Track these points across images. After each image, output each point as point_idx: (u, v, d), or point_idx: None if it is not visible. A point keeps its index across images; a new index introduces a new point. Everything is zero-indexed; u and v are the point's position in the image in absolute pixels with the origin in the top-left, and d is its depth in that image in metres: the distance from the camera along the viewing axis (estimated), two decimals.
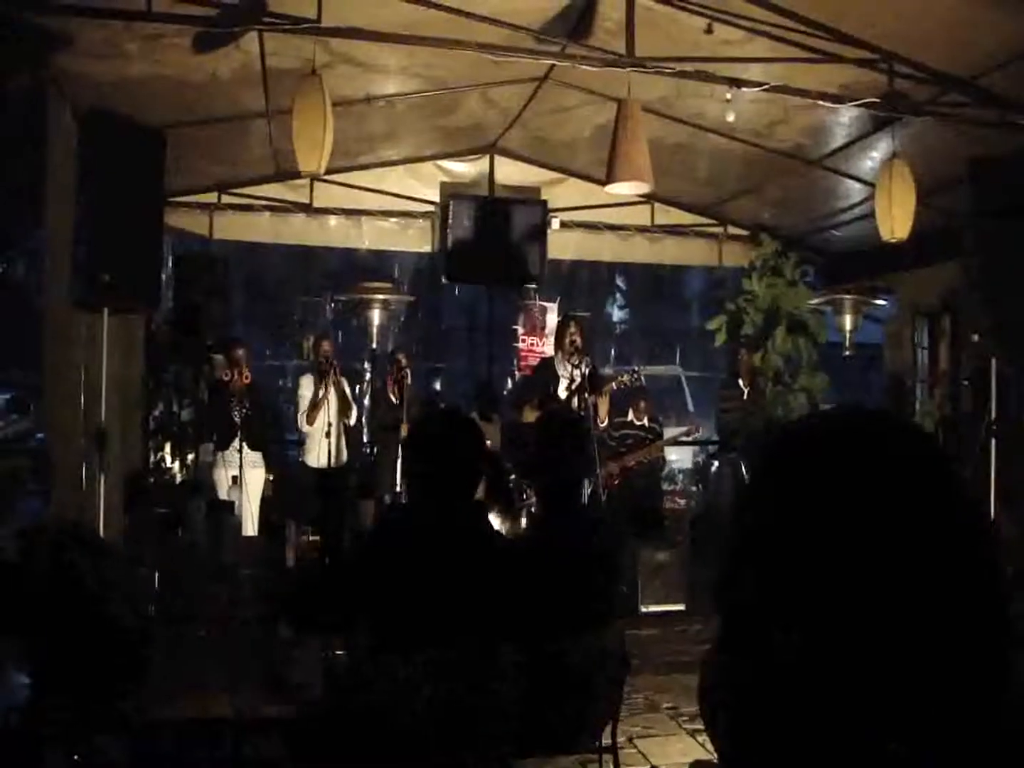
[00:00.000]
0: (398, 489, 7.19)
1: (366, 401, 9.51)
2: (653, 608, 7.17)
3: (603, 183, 5.36)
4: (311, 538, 7.38)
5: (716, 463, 9.54)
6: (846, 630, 0.71)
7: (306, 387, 7.69)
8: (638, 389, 7.96)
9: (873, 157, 6.72)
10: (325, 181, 7.76)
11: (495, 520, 6.15)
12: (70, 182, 5.23)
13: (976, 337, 6.02)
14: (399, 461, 7.09)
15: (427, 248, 8.87)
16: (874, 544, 0.72)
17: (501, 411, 8.24)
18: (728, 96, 5.20)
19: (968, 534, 0.73)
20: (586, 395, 6.62)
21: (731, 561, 0.80)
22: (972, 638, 0.71)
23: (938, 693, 0.70)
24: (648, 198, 8.45)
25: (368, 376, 10.81)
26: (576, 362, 6.72)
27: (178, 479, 7.88)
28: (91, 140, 5.17)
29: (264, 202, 8.25)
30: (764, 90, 5.16)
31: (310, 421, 7.63)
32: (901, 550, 0.71)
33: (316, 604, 2.90)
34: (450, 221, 8.28)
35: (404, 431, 7.24)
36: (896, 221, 5.53)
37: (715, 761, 0.87)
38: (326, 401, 7.48)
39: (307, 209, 8.34)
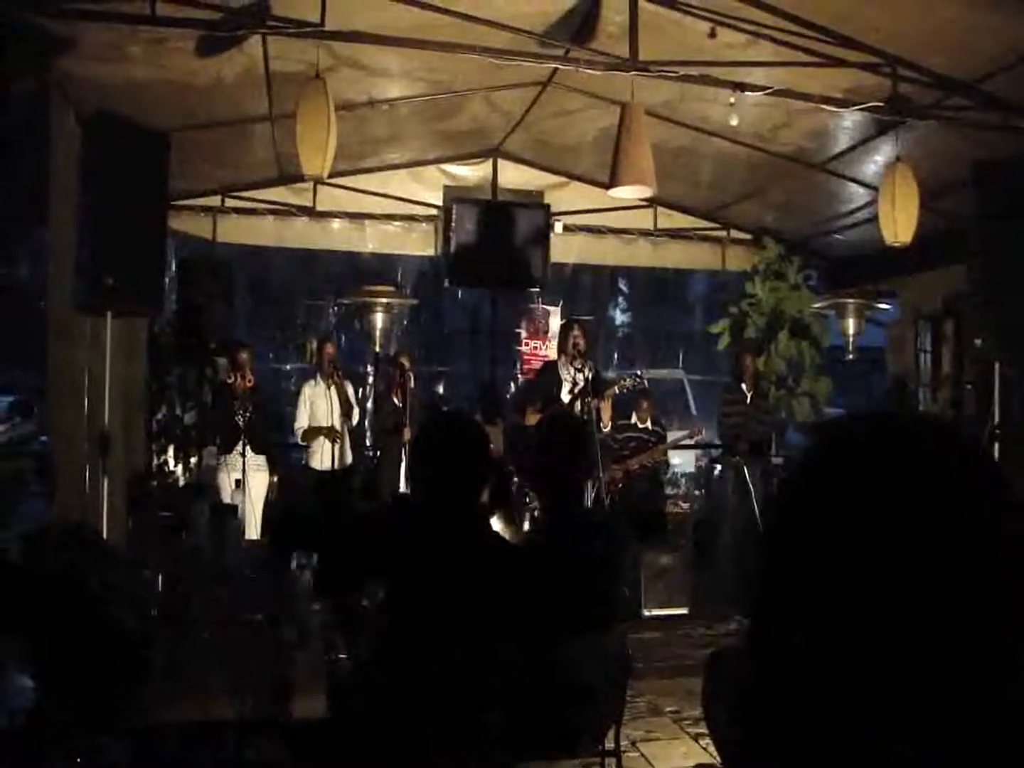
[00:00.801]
0: (401, 491, 7.19)
1: (369, 404, 9.52)
2: (656, 612, 7.17)
3: (606, 187, 5.36)
4: None
5: (719, 467, 9.53)
6: (860, 632, 0.71)
7: (307, 396, 7.70)
8: (641, 392, 7.96)
9: (876, 161, 6.72)
10: (328, 184, 7.77)
11: (498, 525, 6.15)
12: (73, 185, 5.24)
13: (979, 341, 6.01)
14: (402, 464, 7.11)
15: (430, 252, 8.88)
16: (908, 550, 0.71)
17: (504, 414, 8.24)
18: (731, 100, 5.20)
19: (994, 544, 0.73)
20: (589, 399, 6.63)
21: (761, 560, 0.80)
22: (978, 638, 0.71)
23: (942, 694, 0.70)
24: (651, 202, 8.44)
25: (371, 379, 10.82)
26: (579, 366, 6.72)
27: (181, 482, 7.89)
28: (94, 143, 5.18)
29: (267, 205, 8.26)
30: (767, 94, 5.16)
31: (304, 439, 7.66)
32: (932, 556, 0.71)
33: (309, 533, 2.94)
34: (453, 225, 8.29)
35: (407, 434, 7.26)
36: (899, 225, 5.52)
37: (718, 765, 0.87)
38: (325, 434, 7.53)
39: (310, 212, 8.35)
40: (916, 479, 0.74)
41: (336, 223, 8.54)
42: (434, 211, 8.60)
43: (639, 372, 7.72)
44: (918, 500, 0.73)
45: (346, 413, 7.64)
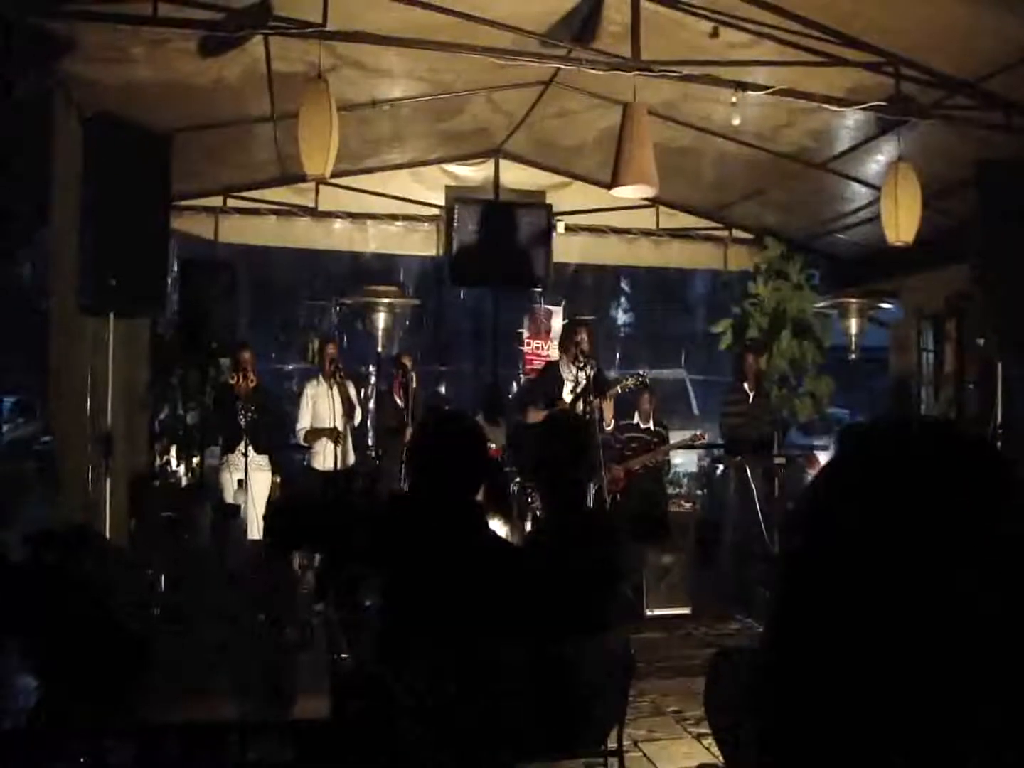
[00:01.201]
0: (397, 491, 7.19)
1: (371, 404, 9.52)
2: (658, 611, 7.17)
3: (608, 187, 5.36)
4: None
5: (721, 467, 9.52)
6: (875, 639, 0.71)
7: (308, 396, 7.70)
8: (643, 391, 7.95)
9: (879, 160, 6.71)
10: (330, 185, 7.77)
11: (496, 524, 6.14)
12: (76, 186, 5.24)
13: (981, 340, 6.01)
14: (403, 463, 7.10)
15: (432, 252, 8.87)
16: (932, 559, 0.71)
17: (506, 414, 8.24)
18: (734, 100, 5.20)
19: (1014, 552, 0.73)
20: (591, 398, 6.62)
21: (783, 567, 0.80)
22: (996, 650, 0.70)
23: (947, 704, 0.70)
24: (653, 201, 8.45)
25: (373, 379, 10.82)
26: (581, 365, 6.71)
27: (184, 482, 7.88)
28: (97, 144, 5.18)
29: (269, 206, 8.26)
30: (770, 93, 5.16)
31: (307, 440, 7.67)
32: (954, 564, 0.71)
33: (304, 525, 2.96)
34: (455, 225, 8.29)
35: (408, 434, 7.26)
36: (902, 224, 5.52)
37: (720, 764, 0.87)
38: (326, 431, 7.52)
39: (312, 213, 8.34)
40: (944, 489, 0.74)
41: (338, 223, 8.54)
42: (436, 211, 8.60)
43: (642, 372, 7.70)
44: (945, 509, 0.73)
45: (348, 413, 7.64)
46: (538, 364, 8.98)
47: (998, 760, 0.69)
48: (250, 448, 7.04)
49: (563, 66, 5.34)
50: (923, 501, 0.74)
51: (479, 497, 2.93)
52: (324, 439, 7.55)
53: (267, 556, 3.52)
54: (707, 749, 4.60)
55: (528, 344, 9.74)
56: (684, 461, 12.02)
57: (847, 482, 0.79)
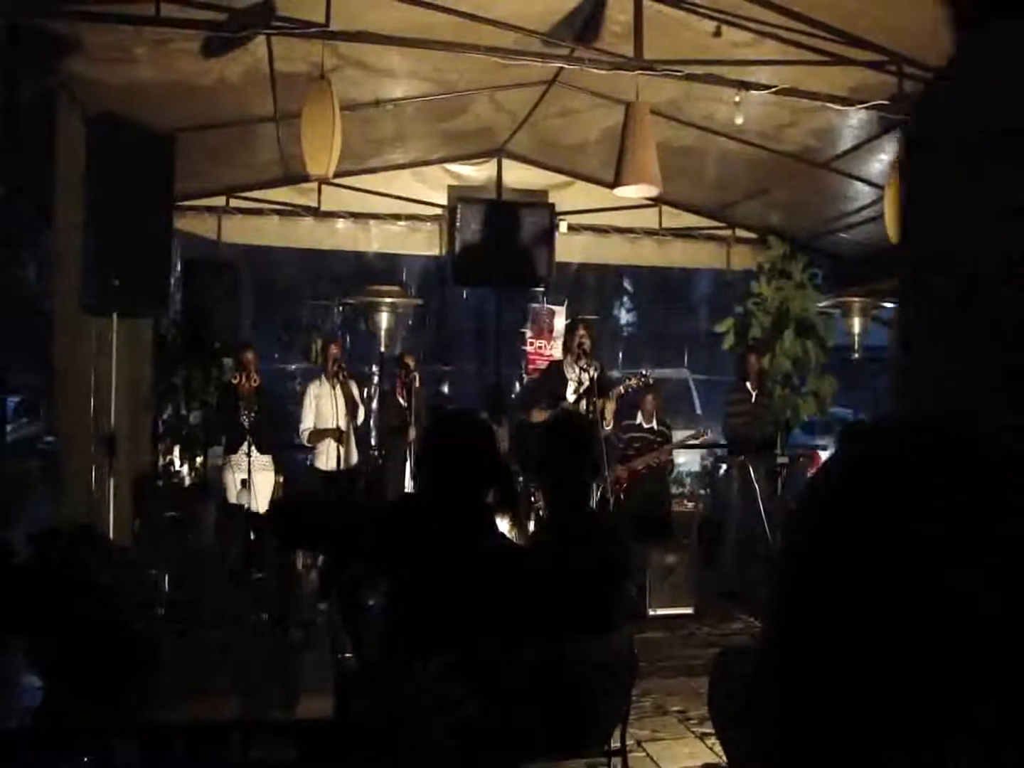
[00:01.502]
0: (407, 491, 7.20)
1: (374, 404, 9.53)
2: (661, 611, 7.17)
3: (611, 186, 5.36)
4: None
5: (724, 466, 9.52)
6: (878, 640, 0.71)
7: (312, 396, 7.71)
8: (646, 391, 7.95)
9: (882, 159, 6.70)
10: (333, 185, 7.78)
11: (505, 526, 6.14)
12: (79, 186, 5.25)
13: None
14: (407, 463, 7.11)
15: (435, 251, 8.88)
16: (934, 560, 0.71)
17: (509, 414, 8.24)
18: (736, 99, 5.20)
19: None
20: (594, 398, 6.62)
21: (783, 567, 0.80)
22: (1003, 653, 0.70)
23: (951, 708, 0.70)
24: (656, 201, 8.45)
25: (376, 379, 10.82)
26: (584, 365, 6.71)
27: (187, 482, 7.89)
28: (100, 144, 5.19)
29: (272, 206, 8.27)
30: (773, 92, 5.16)
31: (310, 441, 7.67)
32: (957, 565, 0.71)
33: (312, 522, 2.97)
34: (458, 224, 8.29)
35: (411, 434, 7.27)
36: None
37: (724, 765, 0.87)
38: (330, 431, 7.52)
39: (315, 213, 8.35)
40: (945, 488, 0.74)
41: (341, 223, 8.55)
42: (439, 211, 8.60)
43: (645, 372, 7.69)
44: (946, 509, 0.73)
45: (351, 413, 7.64)
46: (541, 364, 8.97)
47: (998, 760, 0.69)
48: (253, 448, 7.05)
49: (566, 65, 5.34)
50: (925, 500, 0.74)
51: (489, 498, 2.93)
52: (327, 439, 7.56)
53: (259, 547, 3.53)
54: (711, 749, 4.60)
55: (531, 344, 9.73)
56: (687, 461, 12.03)
57: (848, 481, 0.79)
